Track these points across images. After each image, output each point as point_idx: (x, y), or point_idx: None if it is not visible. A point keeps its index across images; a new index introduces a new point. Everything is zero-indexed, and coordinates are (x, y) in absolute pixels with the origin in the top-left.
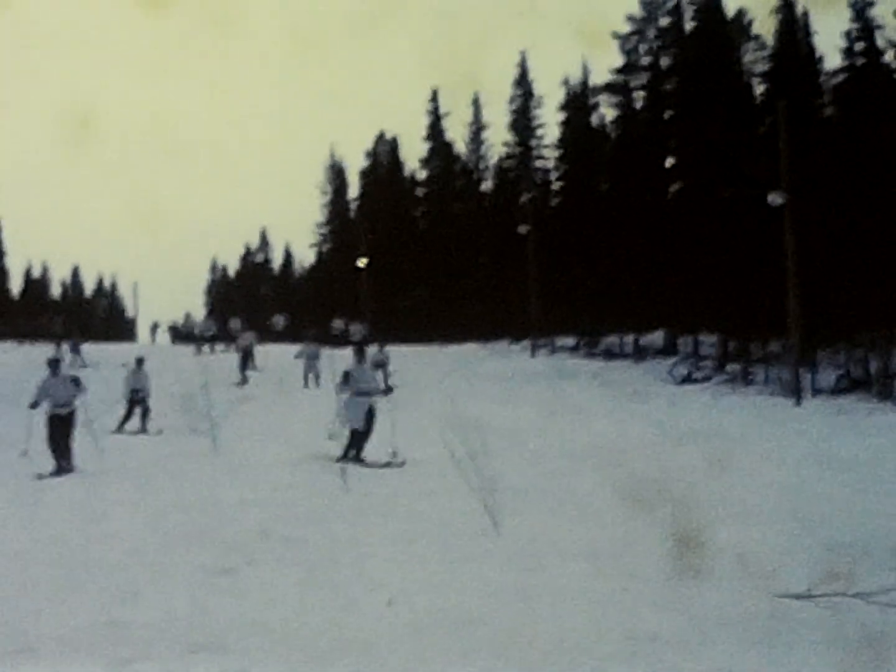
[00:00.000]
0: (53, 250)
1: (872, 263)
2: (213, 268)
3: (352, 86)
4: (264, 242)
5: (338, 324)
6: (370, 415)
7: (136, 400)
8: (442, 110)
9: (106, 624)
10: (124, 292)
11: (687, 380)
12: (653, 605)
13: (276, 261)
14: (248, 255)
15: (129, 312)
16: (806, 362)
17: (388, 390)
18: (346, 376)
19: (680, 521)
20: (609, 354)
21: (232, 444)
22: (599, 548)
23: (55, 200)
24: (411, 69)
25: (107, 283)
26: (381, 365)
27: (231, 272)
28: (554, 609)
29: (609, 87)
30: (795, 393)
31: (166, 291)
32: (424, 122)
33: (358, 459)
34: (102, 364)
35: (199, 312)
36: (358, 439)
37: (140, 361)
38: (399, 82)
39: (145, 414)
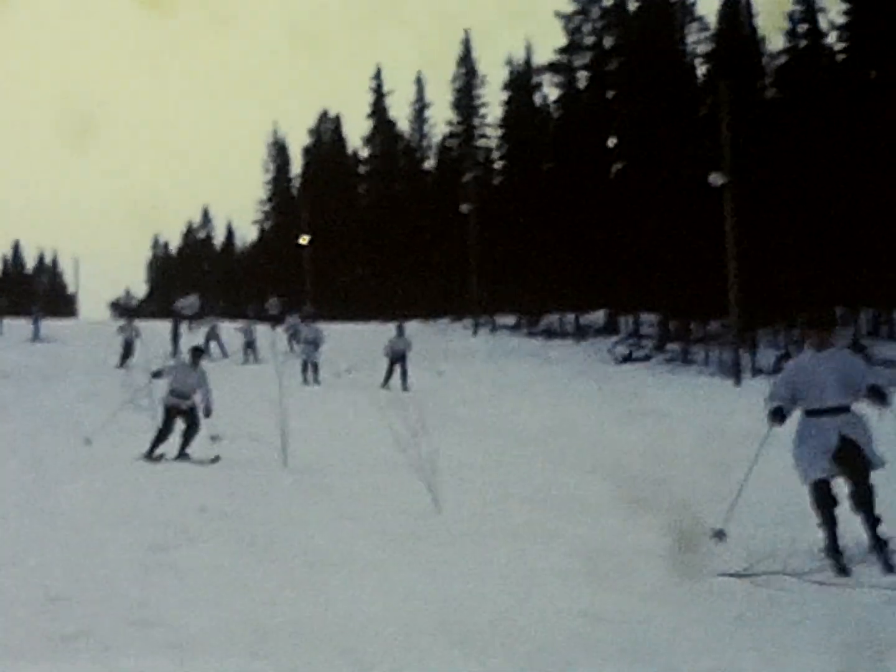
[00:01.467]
0: None
1: (811, 244)
2: (156, 244)
3: (295, 63)
4: (206, 219)
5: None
6: None
7: None
8: (385, 88)
9: (47, 600)
10: (65, 268)
11: (627, 359)
12: (593, 583)
13: (219, 238)
14: (190, 232)
15: (70, 289)
16: (745, 342)
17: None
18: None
19: (622, 497)
20: (550, 333)
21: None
22: (540, 525)
23: None
24: (352, 47)
25: (48, 260)
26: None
27: (173, 248)
28: (494, 587)
29: (552, 67)
30: (735, 372)
31: (108, 268)
32: (368, 99)
33: None
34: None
35: (141, 289)
36: None
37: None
38: (341, 60)
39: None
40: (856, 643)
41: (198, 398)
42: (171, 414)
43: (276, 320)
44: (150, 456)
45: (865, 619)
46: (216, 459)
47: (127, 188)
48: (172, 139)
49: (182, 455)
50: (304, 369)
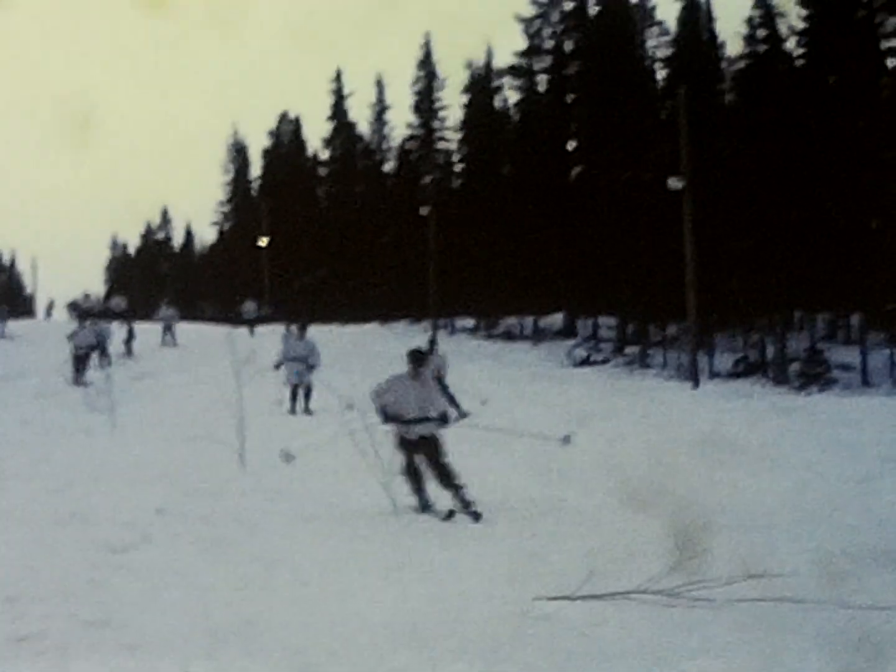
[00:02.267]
0: None
1: (769, 249)
2: (114, 245)
3: (255, 64)
4: (165, 220)
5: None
6: None
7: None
8: (345, 90)
9: (2, 601)
10: (23, 268)
11: (585, 362)
12: (534, 582)
13: (177, 239)
14: (148, 233)
15: (28, 289)
16: (703, 346)
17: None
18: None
19: (588, 494)
20: (508, 336)
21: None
22: (490, 527)
23: None
24: (314, 49)
25: (6, 259)
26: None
27: (131, 250)
28: (451, 588)
29: (512, 70)
30: (693, 376)
31: (66, 268)
32: (328, 102)
33: None
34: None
35: (100, 290)
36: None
37: None
38: (299, 61)
39: None
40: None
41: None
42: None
43: (252, 324)
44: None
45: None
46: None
47: (85, 189)
48: (131, 139)
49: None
50: (294, 396)
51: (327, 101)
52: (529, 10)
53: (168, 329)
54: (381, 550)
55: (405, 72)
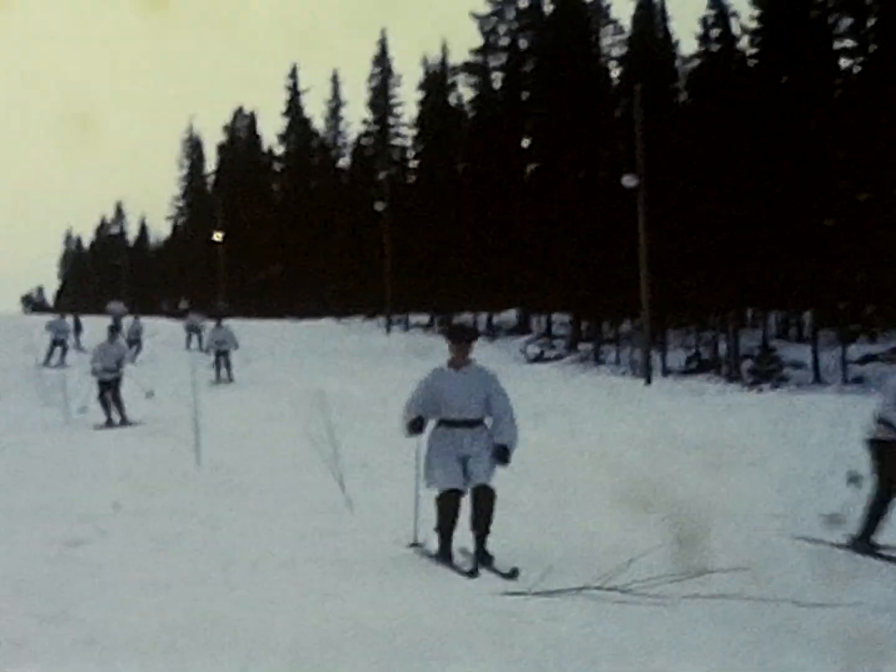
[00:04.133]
0: None
1: (722, 247)
2: (68, 239)
3: (210, 59)
4: (119, 214)
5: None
6: None
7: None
8: (301, 86)
9: None
10: None
11: (539, 358)
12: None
13: (132, 233)
14: (103, 227)
15: None
16: (656, 343)
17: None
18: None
19: (540, 491)
20: None
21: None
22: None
23: None
24: (269, 45)
25: None
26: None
27: (86, 244)
28: (404, 585)
29: (467, 67)
30: (645, 372)
31: (19, 262)
32: (283, 97)
33: None
34: None
35: (53, 284)
36: None
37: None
38: (256, 57)
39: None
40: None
41: None
42: None
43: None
44: None
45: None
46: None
47: (39, 182)
48: (86, 133)
49: None
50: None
51: (283, 97)
52: (485, 8)
53: (196, 332)
54: (334, 545)
55: (361, 68)
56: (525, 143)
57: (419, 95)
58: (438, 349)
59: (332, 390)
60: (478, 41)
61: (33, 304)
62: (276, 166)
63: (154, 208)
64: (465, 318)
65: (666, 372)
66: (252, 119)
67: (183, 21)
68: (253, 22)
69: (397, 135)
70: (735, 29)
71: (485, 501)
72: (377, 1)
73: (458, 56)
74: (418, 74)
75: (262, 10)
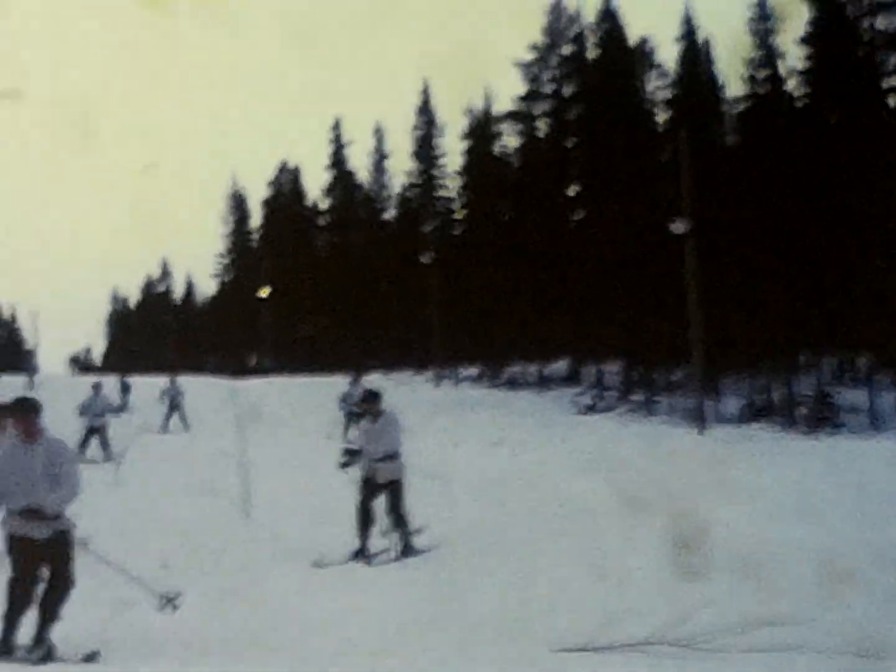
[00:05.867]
0: None
1: (774, 291)
2: (114, 298)
3: (255, 114)
4: (165, 273)
5: None
6: None
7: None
8: (344, 139)
9: None
10: (23, 323)
11: (591, 409)
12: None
13: (178, 291)
14: (149, 286)
15: (28, 344)
16: (709, 391)
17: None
18: None
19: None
20: (513, 384)
21: None
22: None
23: None
24: (312, 100)
25: (6, 314)
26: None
27: (132, 303)
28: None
29: (512, 115)
30: (699, 421)
31: (66, 323)
32: (327, 151)
33: None
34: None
35: (100, 343)
36: None
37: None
38: (301, 111)
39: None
40: None
41: None
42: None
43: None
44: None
45: None
46: None
47: (84, 241)
48: (130, 191)
49: None
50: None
51: (326, 151)
52: (528, 55)
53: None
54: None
55: (404, 119)
56: (572, 190)
57: (464, 145)
58: (488, 401)
59: None
60: (522, 89)
61: (81, 364)
62: (321, 220)
63: (200, 266)
64: (515, 370)
65: (720, 419)
66: (296, 173)
67: (226, 81)
68: (295, 77)
69: (442, 185)
70: (782, 70)
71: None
72: (419, 52)
73: (502, 104)
74: (462, 123)
75: (303, 66)
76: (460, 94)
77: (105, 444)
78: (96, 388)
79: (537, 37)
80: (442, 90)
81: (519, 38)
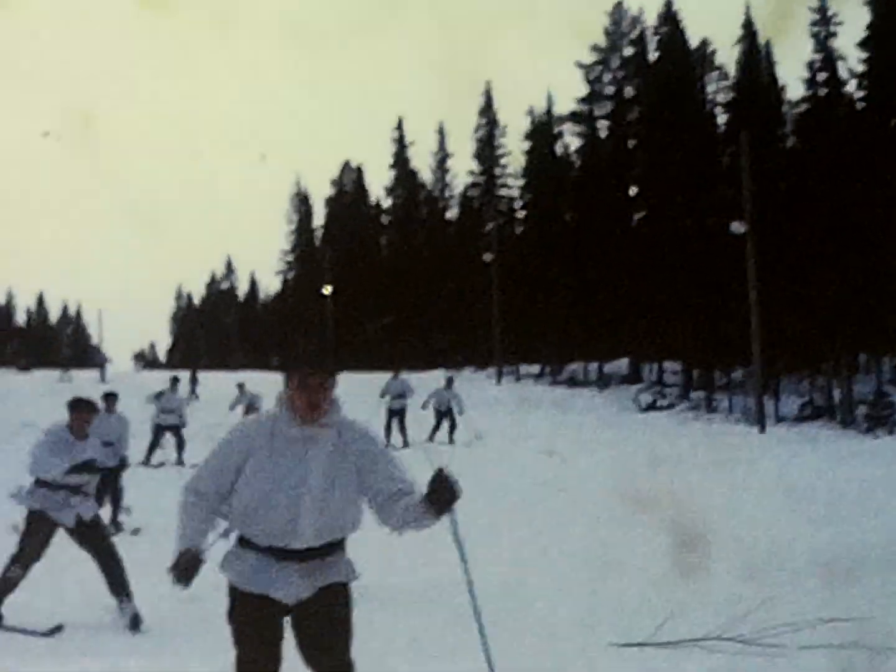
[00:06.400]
0: (18, 277)
1: (834, 291)
2: (179, 295)
3: (319, 113)
4: (229, 270)
5: None
6: None
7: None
8: (407, 139)
9: None
10: (89, 319)
11: (651, 407)
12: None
13: (242, 288)
14: (213, 283)
15: (94, 339)
16: (769, 390)
17: None
18: None
19: (657, 541)
20: (573, 382)
21: None
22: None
23: (20, 227)
24: (376, 100)
25: (72, 311)
26: None
27: (196, 300)
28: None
29: (573, 117)
30: (759, 420)
31: (132, 319)
32: (390, 150)
33: None
34: None
35: (165, 340)
36: None
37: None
38: (363, 111)
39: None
40: None
41: None
42: None
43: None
44: None
45: None
46: None
47: (151, 240)
48: (196, 190)
49: None
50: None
51: (389, 150)
52: (590, 57)
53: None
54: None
55: (467, 120)
56: (632, 191)
57: (525, 146)
58: (549, 399)
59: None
60: (583, 90)
61: (145, 360)
62: (384, 219)
63: (263, 263)
64: (576, 368)
65: (779, 419)
66: (359, 172)
67: (292, 79)
68: (360, 79)
69: (504, 185)
70: (842, 72)
71: None
72: (483, 54)
73: (563, 106)
74: (524, 124)
75: (368, 67)
76: (522, 95)
77: (181, 445)
78: (173, 382)
79: (600, 38)
80: (505, 91)
81: (581, 40)
